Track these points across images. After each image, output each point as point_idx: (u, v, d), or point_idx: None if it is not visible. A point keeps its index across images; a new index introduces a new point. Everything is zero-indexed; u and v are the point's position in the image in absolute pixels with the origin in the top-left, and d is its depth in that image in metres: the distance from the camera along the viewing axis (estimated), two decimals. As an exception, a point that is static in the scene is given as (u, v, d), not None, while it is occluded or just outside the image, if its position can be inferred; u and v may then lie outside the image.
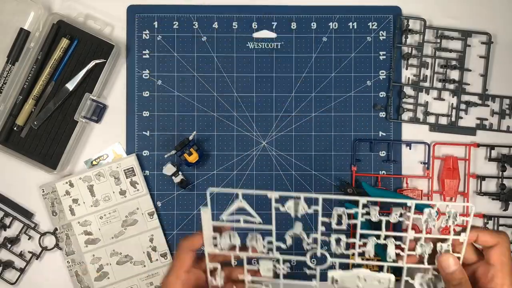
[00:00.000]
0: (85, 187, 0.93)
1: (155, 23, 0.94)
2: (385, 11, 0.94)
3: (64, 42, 0.91)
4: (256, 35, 0.94)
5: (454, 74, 0.95)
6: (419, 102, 0.94)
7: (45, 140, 0.92)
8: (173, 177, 0.92)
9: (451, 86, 0.95)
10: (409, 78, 0.95)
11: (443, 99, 0.95)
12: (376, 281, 0.65)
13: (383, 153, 0.94)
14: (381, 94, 0.94)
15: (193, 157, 0.91)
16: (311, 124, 0.94)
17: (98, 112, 0.93)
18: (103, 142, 0.95)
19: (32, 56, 0.91)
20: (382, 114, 0.94)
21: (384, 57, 0.94)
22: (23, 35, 0.91)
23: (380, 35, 0.94)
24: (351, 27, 0.94)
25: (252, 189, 0.93)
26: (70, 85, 0.92)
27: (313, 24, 0.94)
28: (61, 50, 0.91)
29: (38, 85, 0.91)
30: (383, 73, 0.94)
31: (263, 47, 0.94)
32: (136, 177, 0.93)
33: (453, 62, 0.94)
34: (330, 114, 0.94)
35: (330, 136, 0.94)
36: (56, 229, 0.92)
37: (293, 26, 0.94)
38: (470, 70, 0.95)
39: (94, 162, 0.94)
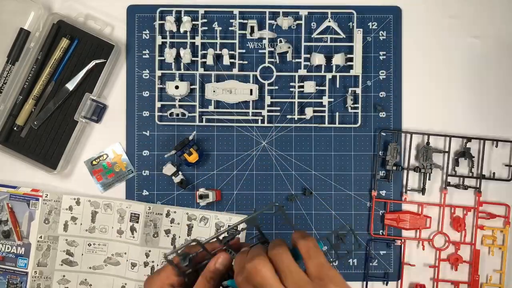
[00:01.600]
0: (90, 211, 0.93)
1: (155, 23, 0.94)
2: (385, 11, 0.94)
3: (64, 42, 0.91)
4: (256, 35, 0.94)
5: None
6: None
7: (45, 140, 0.93)
8: (173, 177, 0.92)
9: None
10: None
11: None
12: None
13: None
14: (381, 94, 0.94)
15: (193, 157, 0.91)
16: (311, 124, 0.94)
17: (98, 112, 0.93)
18: (103, 142, 0.95)
19: (32, 56, 0.91)
20: (382, 114, 0.94)
21: (384, 57, 0.94)
22: (23, 35, 0.91)
23: (380, 35, 0.94)
24: (351, 27, 0.94)
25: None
26: (70, 85, 0.92)
27: (313, 24, 0.94)
28: (61, 50, 0.92)
29: (38, 85, 0.91)
30: (383, 73, 0.94)
31: (263, 47, 0.94)
32: (138, 225, 0.93)
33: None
34: (330, 114, 0.94)
35: (330, 136, 0.94)
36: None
37: (293, 26, 0.94)
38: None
39: (94, 162, 0.94)
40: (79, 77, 0.92)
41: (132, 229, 0.93)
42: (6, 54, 0.91)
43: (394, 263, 0.94)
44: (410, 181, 0.94)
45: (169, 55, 0.92)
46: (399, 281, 0.94)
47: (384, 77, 0.94)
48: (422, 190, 0.94)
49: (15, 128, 0.92)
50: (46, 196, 0.93)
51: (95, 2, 0.95)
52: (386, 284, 0.94)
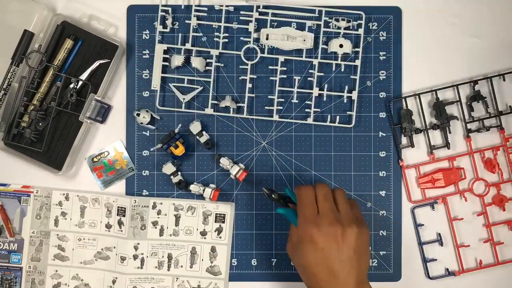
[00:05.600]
0: (79, 206, 0.94)
1: (155, 23, 0.94)
2: (385, 11, 0.94)
3: (68, 43, 0.92)
4: (255, 35, 0.94)
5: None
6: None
7: (50, 141, 0.93)
8: (172, 177, 0.92)
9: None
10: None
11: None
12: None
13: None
14: (381, 95, 0.94)
15: (179, 150, 0.91)
16: (311, 124, 0.94)
17: (103, 112, 0.94)
18: (107, 142, 0.95)
19: (37, 57, 0.92)
20: (382, 115, 0.94)
21: (384, 57, 0.94)
22: (27, 37, 0.92)
23: (380, 35, 0.94)
24: (351, 27, 0.94)
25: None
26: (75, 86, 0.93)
27: (313, 25, 0.94)
28: (65, 51, 0.93)
29: (43, 86, 0.92)
30: (383, 73, 0.94)
31: (262, 47, 0.94)
32: (125, 218, 0.94)
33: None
34: (331, 114, 0.93)
35: (330, 136, 0.94)
36: None
37: (293, 26, 0.94)
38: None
39: (95, 159, 0.95)
40: (84, 78, 0.93)
41: (120, 223, 0.93)
42: (11, 55, 0.92)
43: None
44: (432, 140, 0.94)
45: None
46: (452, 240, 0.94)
47: (384, 77, 0.94)
48: (447, 145, 0.94)
49: (20, 129, 0.93)
50: (37, 192, 0.94)
51: (98, 2, 0.95)
52: (441, 245, 0.94)
